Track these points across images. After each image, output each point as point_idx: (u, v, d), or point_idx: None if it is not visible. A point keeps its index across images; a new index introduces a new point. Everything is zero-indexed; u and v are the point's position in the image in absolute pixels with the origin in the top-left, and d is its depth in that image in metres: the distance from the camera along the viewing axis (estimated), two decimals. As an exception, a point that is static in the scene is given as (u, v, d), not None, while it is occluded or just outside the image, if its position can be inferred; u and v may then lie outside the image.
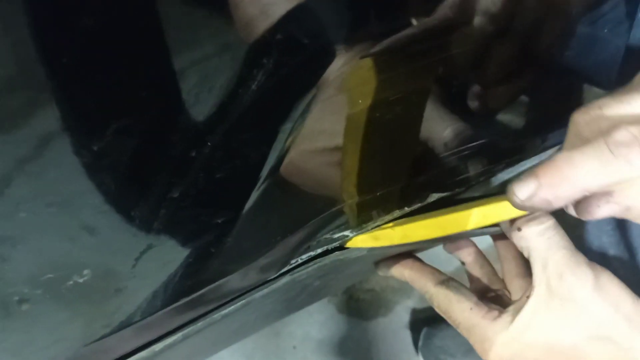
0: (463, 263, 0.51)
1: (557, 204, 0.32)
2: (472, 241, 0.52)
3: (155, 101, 0.26)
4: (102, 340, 0.32)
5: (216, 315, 0.38)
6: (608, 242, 0.80)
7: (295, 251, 0.41)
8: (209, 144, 0.29)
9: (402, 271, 0.48)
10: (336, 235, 0.43)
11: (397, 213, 0.45)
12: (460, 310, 0.43)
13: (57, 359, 0.31)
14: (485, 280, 0.48)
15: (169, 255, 0.32)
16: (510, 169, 0.51)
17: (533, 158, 0.52)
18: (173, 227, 0.31)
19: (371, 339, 1.10)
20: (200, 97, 0.27)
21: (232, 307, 0.39)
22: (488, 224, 0.39)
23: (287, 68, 0.29)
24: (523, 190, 0.33)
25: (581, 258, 0.40)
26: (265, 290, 0.40)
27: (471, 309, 0.43)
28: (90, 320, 0.31)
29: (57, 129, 0.24)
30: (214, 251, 0.34)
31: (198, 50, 0.25)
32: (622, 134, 0.31)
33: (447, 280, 0.46)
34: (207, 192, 0.31)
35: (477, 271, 0.49)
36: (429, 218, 0.42)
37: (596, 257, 0.48)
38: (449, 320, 0.45)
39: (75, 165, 0.25)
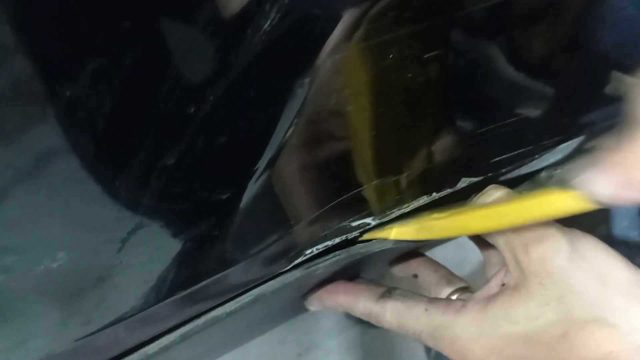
0: (415, 276, 0.45)
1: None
2: (418, 252, 0.46)
3: (143, 35, 0.20)
4: (80, 340, 0.26)
5: (220, 313, 0.33)
6: (628, 226, 0.75)
7: (309, 240, 0.36)
8: (210, 98, 0.23)
9: (335, 300, 0.41)
10: (356, 223, 0.38)
11: (424, 199, 0.40)
12: (415, 317, 0.36)
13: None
14: (444, 282, 0.41)
15: (162, 238, 0.26)
16: (545, 154, 0.46)
17: (569, 142, 0.47)
18: (166, 202, 0.25)
19: (380, 347, 1.05)
20: (202, 38, 0.22)
21: (239, 304, 0.33)
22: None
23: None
24: (595, 181, 0.26)
25: (549, 223, 0.32)
26: (276, 285, 0.34)
27: (426, 309, 0.36)
28: (66, 316, 0.26)
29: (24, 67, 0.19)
30: (216, 235, 0.29)
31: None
32: None
33: (388, 291, 0.39)
34: (208, 160, 0.25)
35: (432, 277, 0.43)
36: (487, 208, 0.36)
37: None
38: (409, 336, 0.37)
39: (45, 116, 0.20)
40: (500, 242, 0.34)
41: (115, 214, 0.24)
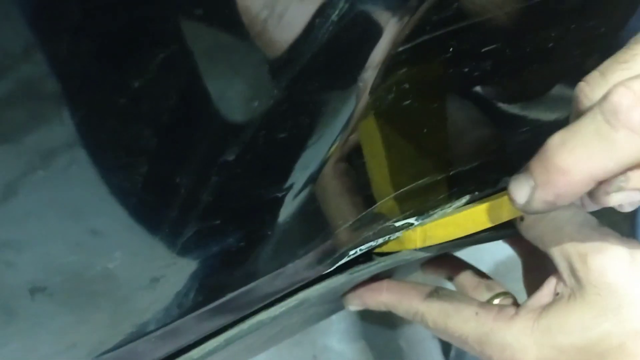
0: (450, 278, 0.44)
1: (562, 202, 0.26)
2: (452, 255, 0.45)
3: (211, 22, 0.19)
4: (133, 344, 0.25)
5: (265, 317, 0.32)
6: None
7: (353, 241, 0.35)
8: (275, 91, 0.22)
9: (377, 298, 0.39)
10: (399, 224, 0.37)
11: (465, 199, 0.39)
12: (463, 320, 0.35)
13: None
14: (483, 286, 0.40)
15: (217, 237, 0.25)
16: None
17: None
18: (224, 199, 0.24)
19: (395, 349, 1.04)
20: (268, 25, 0.21)
21: (284, 308, 0.32)
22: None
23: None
24: (519, 193, 0.27)
25: (607, 232, 0.32)
26: (321, 290, 0.34)
27: (477, 314, 0.34)
28: (117, 318, 0.25)
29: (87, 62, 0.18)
30: (268, 235, 0.28)
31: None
32: (619, 94, 0.23)
33: (435, 291, 0.38)
34: (268, 156, 0.24)
35: (470, 280, 0.41)
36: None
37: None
38: (452, 340, 0.36)
39: (109, 110, 0.19)
40: (555, 251, 0.33)
41: (176, 212, 0.23)
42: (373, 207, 0.34)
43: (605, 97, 0.23)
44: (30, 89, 0.17)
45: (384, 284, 0.39)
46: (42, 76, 0.17)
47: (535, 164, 0.26)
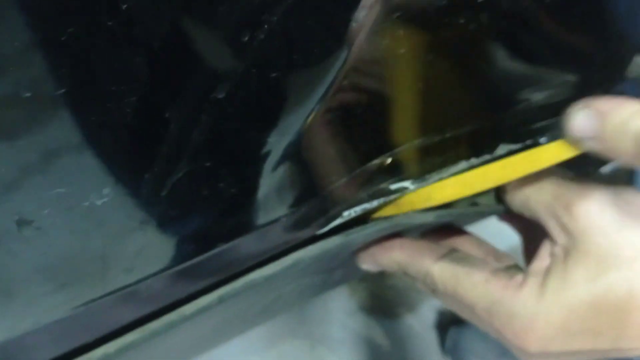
0: (454, 250, 0.43)
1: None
2: (458, 227, 0.44)
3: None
4: (127, 288, 0.25)
5: (257, 277, 0.32)
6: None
7: (347, 201, 0.34)
8: (265, 26, 0.22)
9: (390, 256, 0.38)
10: (394, 187, 0.36)
11: (462, 165, 0.38)
12: (473, 285, 0.33)
13: (61, 309, 0.24)
14: (491, 258, 0.38)
15: (207, 181, 0.25)
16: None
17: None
18: (215, 140, 0.24)
19: (394, 340, 1.03)
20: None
21: (277, 267, 0.32)
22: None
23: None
24: (584, 122, 0.29)
25: (586, 180, 0.31)
26: (315, 251, 0.33)
27: (487, 281, 0.33)
28: (107, 262, 0.25)
29: None
30: (258, 186, 0.27)
31: None
32: None
33: (450, 252, 0.37)
34: (258, 97, 0.24)
35: (477, 252, 0.39)
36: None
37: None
38: (460, 307, 0.35)
39: (100, 33, 0.19)
40: (541, 212, 0.32)
41: (165, 149, 0.23)
42: (356, 171, 0.34)
43: None
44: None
45: (397, 241, 0.38)
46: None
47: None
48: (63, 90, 0.19)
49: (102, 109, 0.20)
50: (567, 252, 0.31)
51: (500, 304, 0.32)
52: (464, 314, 0.35)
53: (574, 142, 0.30)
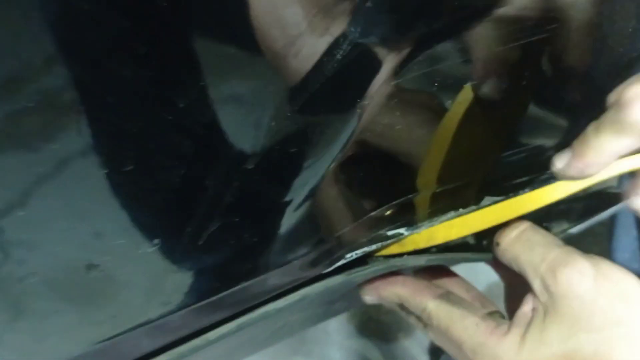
0: None
1: (590, 171, 0.34)
2: (451, 270, 0.48)
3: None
4: (158, 320, 0.31)
5: (270, 309, 0.37)
6: (630, 258, 0.78)
7: (350, 246, 0.40)
8: (289, 114, 0.28)
9: (392, 290, 0.43)
10: (391, 233, 0.42)
11: (451, 215, 0.44)
12: (464, 327, 0.38)
13: (109, 335, 0.30)
14: (477, 303, 0.43)
15: (235, 232, 0.31)
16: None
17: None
18: (243, 201, 0.29)
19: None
20: (288, 60, 0.26)
21: (287, 301, 0.37)
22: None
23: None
24: (560, 161, 0.35)
25: (571, 250, 0.37)
26: (320, 288, 0.38)
27: (477, 325, 0.38)
28: (150, 295, 0.30)
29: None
30: (278, 233, 0.33)
31: None
32: (631, 90, 0.31)
33: (447, 294, 0.41)
34: (279, 167, 0.30)
35: (465, 295, 0.44)
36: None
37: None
38: (448, 344, 0.40)
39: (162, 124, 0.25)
40: (529, 270, 0.37)
41: (202, 210, 0.28)
42: (360, 220, 0.39)
43: (619, 96, 0.31)
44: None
45: (400, 277, 0.43)
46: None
47: (576, 142, 0.34)
48: (131, 168, 0.25)
49: (159, 180, 0.26)
50: (547, 311, 0.36)
51: (486, 346, 0.37)
52: (450, 350, 0.40)
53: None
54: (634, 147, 0.33)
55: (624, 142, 0.32)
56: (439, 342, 0.41)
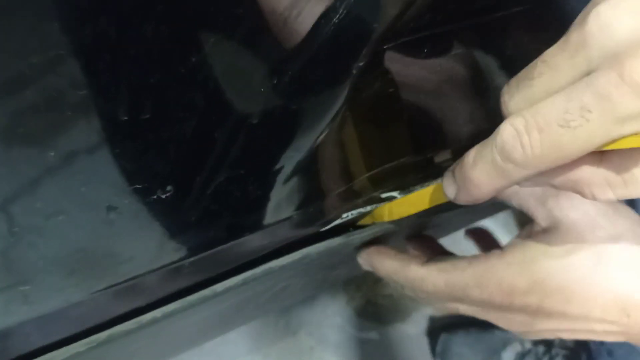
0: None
1: (481, 201, 0.32)
2: (436, 240, 0.51)
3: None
4: (174, 264, 0.33)
5: (274, 265, 0.40)
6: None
7: (346, 206, 0.42)
8: (290, 73, 0.31)
9: (382, 262, 0.45)
10: (384, 195, 0.44)
11: (439, 181, 0.46)
12: (460, 270, 0.40)
13: (129, 275, 0.32)
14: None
15: (240, 184, 0.33)
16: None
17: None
18: (248, 154, 0.32)
19: (388, 344, 1.11)
20: (288, 22, 0.29)
21: (290, 259, 0.40)
22: None
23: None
24: (449, 190, 0.35)
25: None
26: (320, 248, 0.41)
27: (469, 262, 0.40)
28: (162, 241, 0.33)
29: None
30: (279, 186, 0.35)
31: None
32: (505, 133, 0.28)
33: (431, 258, 0.44)
34: (281, 122, 0.32)
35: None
36: None
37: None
38: (456, 296, 0.41)
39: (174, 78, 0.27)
40: (530, 200, 0.40)
41: (213, 160, 0.31)
42: (353, 183, 0.42)
43: (497, 132, 0.28)
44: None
45: (391, 251, 0.46)
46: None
47: (457, 172, 0.33)
48: (148, 116, 0.27)
49: (174, 131, 0.29)
50: (550, 230, 0.39)
51: (487, 271, 0.39)
52: (457, 304, 0.42)
53: None
54: (521, 177, 0.29)
55: (507, 181, 0.29)
56: (444, 305, 0.43)
